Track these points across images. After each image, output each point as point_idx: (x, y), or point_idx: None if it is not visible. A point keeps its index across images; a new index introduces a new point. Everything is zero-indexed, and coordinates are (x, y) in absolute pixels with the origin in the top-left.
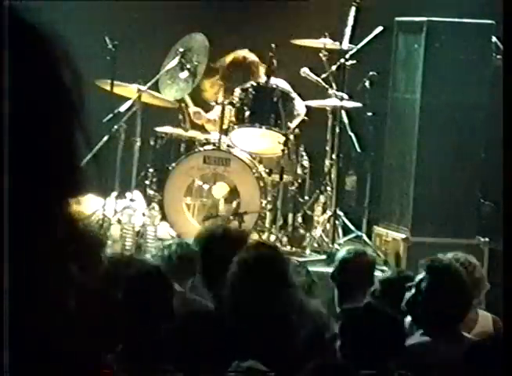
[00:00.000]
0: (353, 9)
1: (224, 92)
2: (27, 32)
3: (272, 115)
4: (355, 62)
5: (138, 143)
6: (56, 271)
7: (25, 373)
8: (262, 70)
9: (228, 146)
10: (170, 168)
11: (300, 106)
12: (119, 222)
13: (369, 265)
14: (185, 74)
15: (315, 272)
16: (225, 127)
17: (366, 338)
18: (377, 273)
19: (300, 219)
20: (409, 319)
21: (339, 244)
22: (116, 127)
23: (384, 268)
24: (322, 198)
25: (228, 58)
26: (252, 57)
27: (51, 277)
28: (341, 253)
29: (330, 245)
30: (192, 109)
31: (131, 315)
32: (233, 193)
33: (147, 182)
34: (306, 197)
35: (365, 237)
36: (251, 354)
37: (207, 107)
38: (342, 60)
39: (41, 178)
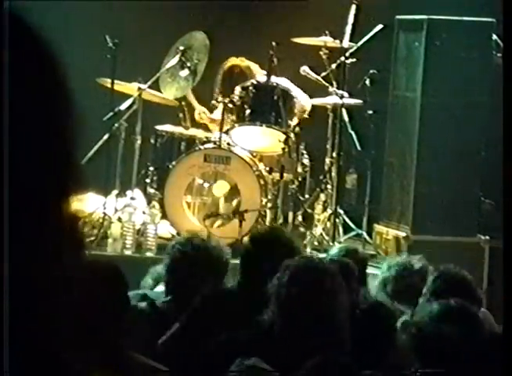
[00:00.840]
0: (353, 7)
1: (222, 96)
2: (26, 32)
3: (272, 113)
4: (355, 60)
5: (139, 142)
6: (56, 270)
7: (25, 373)
8: (259, 74)
9: (228, 144)
10: (170, 166)
11: (305, 101)
12: (119, 220)
13: (360, 263)
14: (185, 73)
15: None
16: (226, 127)
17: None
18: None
19: (300, 217)
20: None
21: (339, 242)
22: (116, 125)
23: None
24: (322, 196)
25: (225, 66)
26: (248, 63)
27: (51, 276)
28: (333, 251)
29: (331, 243)
30: (199, 109)
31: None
32: (234, 192)
33: (148, 181)
34: (306, 196)
35: (365, 235)
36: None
37: (211, 107)
38: (342, 58)
39: (38, 177)
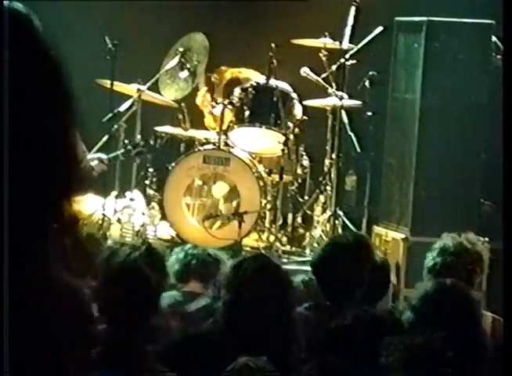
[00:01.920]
0: (353, 8)
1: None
2: (26, 33)
3: (271, 115)
4: (354, 61)
5: None
6: (56, 271)
7: (25, 373)
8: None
9: (227, 145)
10: (170, 167)
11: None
12: (119, 221)
13: None
14: (184, 74)
15: None
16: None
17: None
18: None
19: (299, 219)
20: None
21: None
22: (116, 126)
23: None
24: (321, 198)
25: (226, 77)
26: (246, 75)
27: (51, 277)
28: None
29: None
30: (201, 93)
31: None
32: (233, 193)
33: (147, 182)
34: (306, 197)
35: None
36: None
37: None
38: (342, 60)
39: (39, 178)
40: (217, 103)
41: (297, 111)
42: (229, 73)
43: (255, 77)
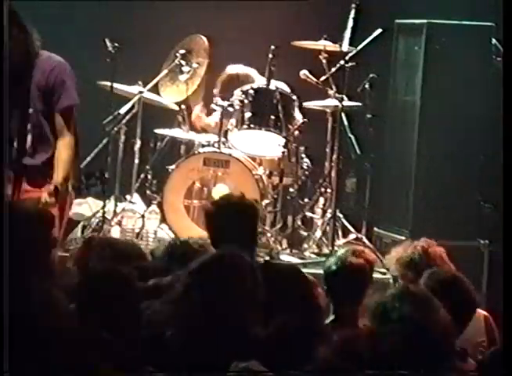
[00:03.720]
0: (353, 10)
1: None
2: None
3: (271, 117)
4: (354, 64)
5: (138, 145)
6: (56, 274)
7: (25, 373)
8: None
9: (228, 147)
10: (170, 169)
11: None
12: (119, 224)
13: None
14: (185, 76)
15: (314, 274)
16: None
17: None
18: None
19: (300, 221)
20: None
21: (339, 246)
22: (116, 128)
23: (384, 270)
24: (322, 200)
25: (224, 76)
26: (246, 71)
27: (51, 280)
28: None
29: (330, 247)
30: (196, 111)
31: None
32: None
33: (147, 184)
34: (306, 199)
35: (365, 239)
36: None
37: (208, 111)
38: (342, 62)
39: None
40: (217, 105)
41: (298, 114)
42: (228, 69)
43: (254, 73)
